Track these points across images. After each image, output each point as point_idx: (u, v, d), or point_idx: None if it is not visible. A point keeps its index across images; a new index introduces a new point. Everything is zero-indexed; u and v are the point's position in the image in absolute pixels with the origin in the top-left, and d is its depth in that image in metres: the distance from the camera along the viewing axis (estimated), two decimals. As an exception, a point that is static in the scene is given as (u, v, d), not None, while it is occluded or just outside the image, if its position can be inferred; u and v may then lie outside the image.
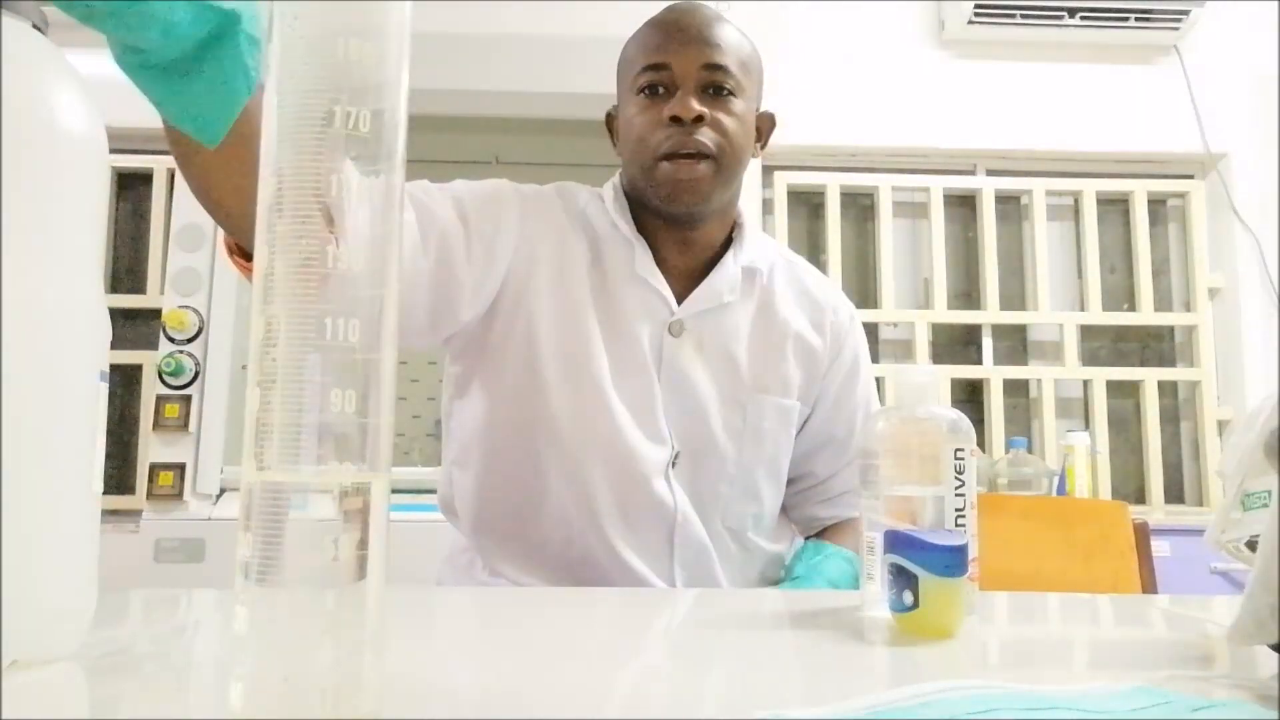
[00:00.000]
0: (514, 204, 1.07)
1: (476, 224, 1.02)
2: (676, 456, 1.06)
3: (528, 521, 1.05)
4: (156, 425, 2.22)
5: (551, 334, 1.04)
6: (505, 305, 1.05)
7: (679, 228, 1.08)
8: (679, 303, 1.08)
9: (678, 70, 1.03)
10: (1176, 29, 2.91)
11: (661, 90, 1.04)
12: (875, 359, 2.91)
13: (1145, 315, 2.99)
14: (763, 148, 1.14)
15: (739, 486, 1.09)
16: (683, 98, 1.02)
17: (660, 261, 1.09)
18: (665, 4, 1.10)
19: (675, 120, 1.02)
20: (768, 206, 2.93)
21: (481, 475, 1.08)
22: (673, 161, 1.03)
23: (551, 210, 1.10)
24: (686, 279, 1.10)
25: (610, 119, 1.14)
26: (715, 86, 1.04)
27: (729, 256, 1.11)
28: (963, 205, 3.07)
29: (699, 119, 1.02)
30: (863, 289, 3.02)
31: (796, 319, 1.14)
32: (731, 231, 1.14)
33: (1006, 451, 2.69)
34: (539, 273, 1.06)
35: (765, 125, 1.13)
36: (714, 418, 1.08)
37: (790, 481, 1.17)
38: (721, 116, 1.03)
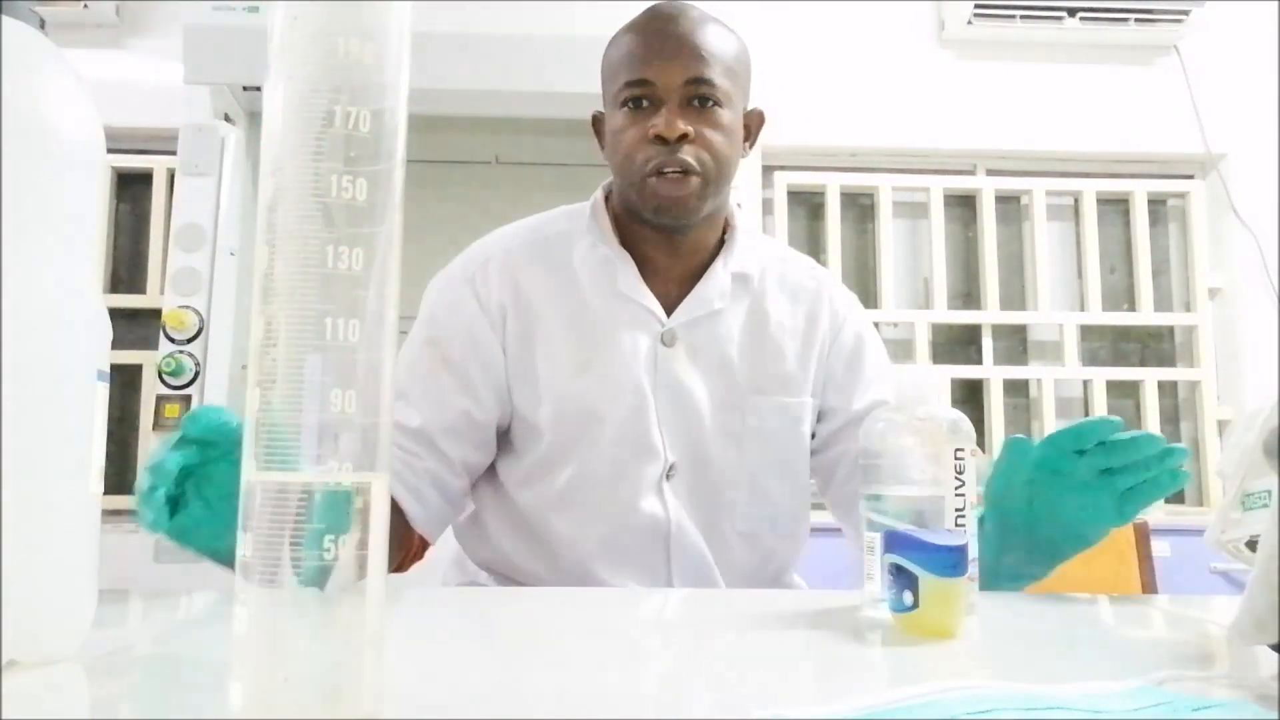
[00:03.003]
0: (471, 307, 1.07)
1: (461, 360, 1.05)
2: (671, 468, 1.06)
3: (527, 560, 1.07)
4: (156, 425, 2.22)
5: (546, 386, 1.05)
6: (513, 371, 1.07)
7: (668, 234, 1.08)
8: (672, 309, 1.08)
9: (661, 86, 1.02)
10: (1176, 29, 2.91)
11: (645, 104, 1.03)
12: (875, 359, 2.90)
13: (1145, 315, 2.99)
14: (751, 146, 1.11)
15: (747, 490, 1.08)
16: (667, 116, 1.01)
17: (650, 270, 1.09)
18: None
19: (659, 139, 1.01)
20: (768, 206, 2.93)
21: (487, 524, 1.11)
22: (660, 178, 1.02)
23: (510, 273, 1.08)
24: (678, 285, 1.09)
25: (596, 121, 1.13)
26: (700, 99, 1.02)
27: (719, 263, 1.10)
28: (963, 205, 3.07)
29: (683, 137, 1.01)
30: (863, 289, 3.02)
31: (792, 315, 1.13)
32: (724, 233, 1.13)
33: (1006, 451, 2.69)
34: (530, 337, 1.06)
35: (754, 123, 1.11)
36: (710, 423, 1.07)
37: (834, 474, 1.13)
38: (707, 131, 1.02)
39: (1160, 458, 0.81)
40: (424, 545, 1.06)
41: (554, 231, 1.12)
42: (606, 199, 1.13)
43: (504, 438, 1.10)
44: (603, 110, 1.11)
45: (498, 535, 1.09)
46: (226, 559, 0.67)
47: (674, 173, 1.01)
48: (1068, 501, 0.84)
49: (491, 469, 1.11)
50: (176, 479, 0.72)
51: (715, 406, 1.07)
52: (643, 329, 1.07)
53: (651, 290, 1.08)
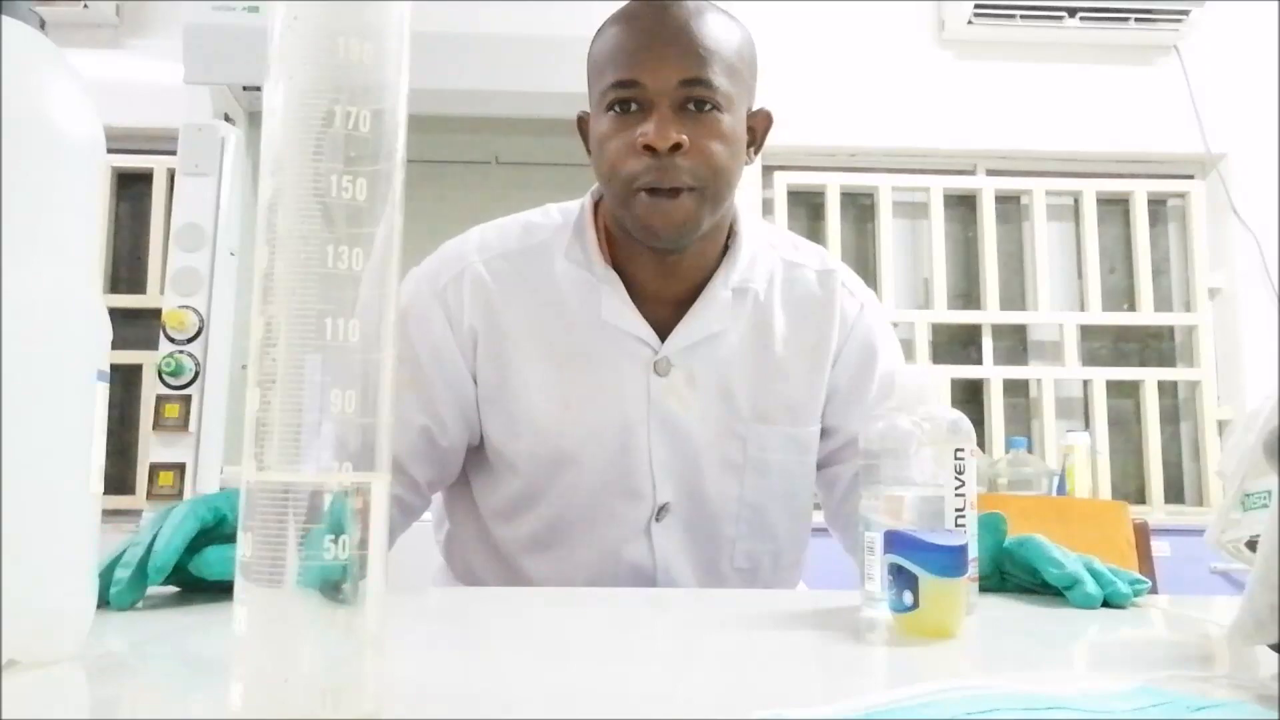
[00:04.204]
0: (440, 326, 0.99)
1: (427, 382, 0.99)
2: (662, 509, 1.00)
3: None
4: (156, 425, 2.22)
5: (523, 421, 0.99)
6: (484, 397, 1.01)
7: (660, 255, 0.97)
8: (666, 334, 0.98)
9: (652, 88, 0.90)
10: (1176, 29, 2.91)
11: (634, 107, 0.92)
12: (875, 359, 2.90)
13: (1145, 315, 2.99)
14: (757, 151, 1.00)
15: (747, 524, 1.02)
16: (658, 123, 0.89)
17: (641, 291, 0.99)
18: None
19: (649, 149, 0.90)
20: (768, 206, 2.93)
21: (467, 553, 1.08)
22: (650, 195, 0.91)
23: (484, 293, 1.00)
24: (673, 306, 1.00)
25: (581, 123, 1.01)
26: (697, 102, 0.91)
27: (718, 279, 0.99)
28: (963, 205, 3.07)
29: (676, 147, 0.89)
30: (863, 289, 3.01)
31: (799, 332, 1.03)
32: (727, 241, 1.02)
33: (1006, 451, 2.69)
34: (505, 366, 0.99)
35: (760, 125, 1.00)
36: (709, 456, 1.00)
37: (833, 491, 1.09)
38: (704, 140, 0.91)
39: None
40: None
41: (536, 243, 1.02)
42: (597, 205, 1.03)
43: (482, 461, 1.04)
44: (589, 111, 1.00)
45: (478, 567, 1.06)
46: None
47: (666, 190, 0.91)
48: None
49: (470, 495, 1.06)
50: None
51: (714, 437, 1.00)
52: (632, 360, 0.98)
53: (643, 313, 0.99)
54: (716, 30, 0.93)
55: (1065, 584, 0.76)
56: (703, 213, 0.94)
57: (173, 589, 0.74)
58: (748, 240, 1.03)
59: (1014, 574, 0.82)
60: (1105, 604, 0.76)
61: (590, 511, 1.00)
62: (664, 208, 0.91)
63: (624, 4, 0.97)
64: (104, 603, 0.63)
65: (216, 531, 0.72)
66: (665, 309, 1.00)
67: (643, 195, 0.91)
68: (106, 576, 0.66)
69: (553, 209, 1.06)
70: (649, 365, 0.99)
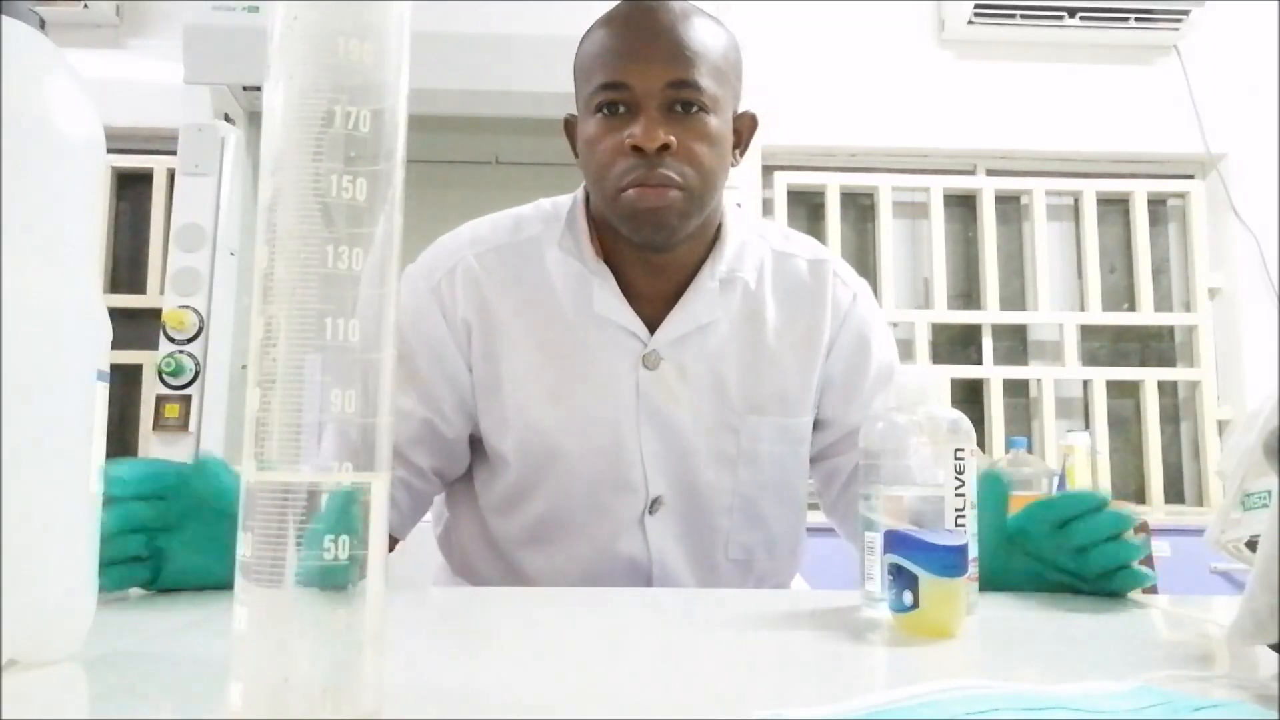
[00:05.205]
0: (435, 320, 1.00)
1: (426, 377, 0.99)
2: (655, 502, 1.00)
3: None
4: (156, 425, 2.22)
5: (514, 415, 0.99)
6: (480, 390, 1.01)
7: (649, 252, 0.98)
8: (655, 328, 0.99)
9: (639, 89, 0.91)
10: (1176, 29, 2.91)
11: (622, 109, 0.93)
12: (875, 359, 2.90)
13: (1145, 315, 2.99)
14: (742, 154, 1.01)
15: (740, 515, 1.02)
16: (646, 124, 0.91)
17: (630, 289, 1.00)
18: None
19: (637, 150, 0.91)
20: (768, 206, 2.93)
21: (466, 546, 1.08)
22: (638, 190, 0.92)
23: (477, 286, 1.00)
24: (662, 301, 1.00)
25: (568, 126, 1.03)
26: (683, 104, 0.92)
27: (705, 272, 1.00)
28: (963, 205, 3.07)
29: (664, 148, 0.91)
30: (863, 289, 3.01)
31: (791, 322, 1.03)
32: (714, 240, 1.02)
33: (1006, 451, 2.69)
34: (497, 359, 1.00)
35: (745, 128, 1.01)
36: (701, 448, 1.00)
37: (831, 484, 1.09)
38: (690, 141, 0.92)
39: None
40: (394, 542, 1.02)
41: (529, 236, 1.03)
42: (588, 200, 1.03)
43: (480, 454, 1.04)
44: (575, 113, 1.01)
45: (475, 561, 1.07)
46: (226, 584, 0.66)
47: (652, 187, 0.92)
48: (1045, 579, 0.81)
49: (471, 487, 1.06)
50: (144, 540, 0.71)
51: (706, 429, 1.00)
52: (622, 353, 0.99)
53: (633, 307, 0.99)
54: (702, 33, 0.94)
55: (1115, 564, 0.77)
56: (689, 213, 0.95)
57: (171, 590, 0.74)
58: (734, 231, 1.03)
59: (1043, 554, 0.80)
60: (1112, 591, 0.77)
61: (583, 505, 1.00)
62: (650, 204, 0.92)
63: (613, 6, 0.98)
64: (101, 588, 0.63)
65: (162, 522, 0.71)
66: (655, 306, 1.01)
67: (629, 193, 0.93)
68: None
69: (544, 202, 1.07)
70: (638, 359, 0.99)
